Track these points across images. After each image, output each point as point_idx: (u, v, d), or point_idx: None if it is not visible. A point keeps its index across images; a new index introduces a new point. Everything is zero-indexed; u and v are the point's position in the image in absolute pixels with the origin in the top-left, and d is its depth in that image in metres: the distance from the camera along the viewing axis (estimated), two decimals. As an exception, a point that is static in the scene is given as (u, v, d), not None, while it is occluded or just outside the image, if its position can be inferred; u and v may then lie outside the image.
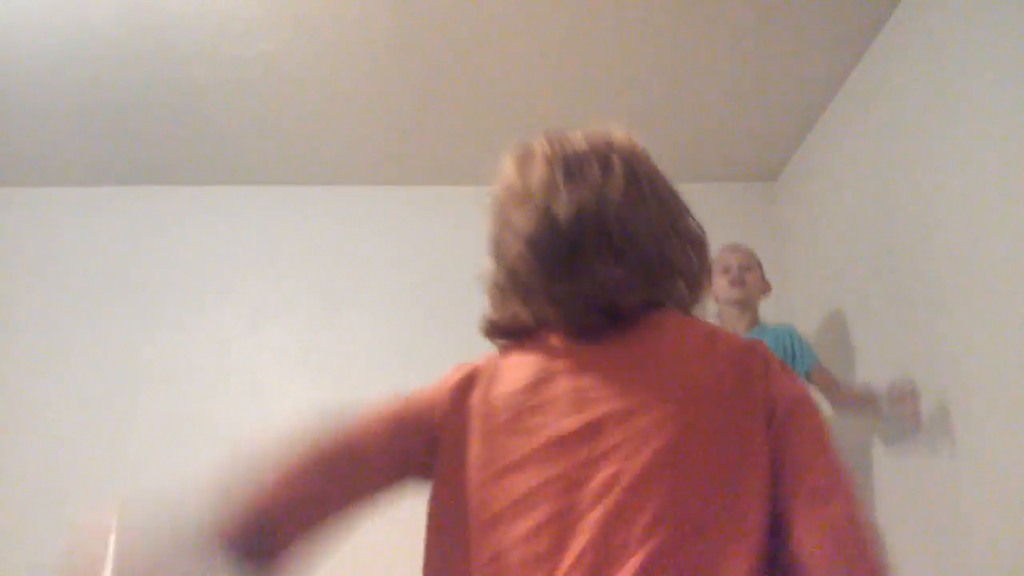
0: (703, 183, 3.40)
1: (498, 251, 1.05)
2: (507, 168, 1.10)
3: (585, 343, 0.96)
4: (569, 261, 0.96)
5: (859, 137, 2.73)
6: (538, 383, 0.94)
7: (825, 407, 2.81)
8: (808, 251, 3.13)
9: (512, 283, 1.02)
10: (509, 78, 2.78)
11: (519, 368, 0.98)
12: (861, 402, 2.54)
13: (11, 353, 3.08)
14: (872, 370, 2.63)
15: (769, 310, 3.22)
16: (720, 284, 2.66)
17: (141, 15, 2.44)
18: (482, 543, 0.87)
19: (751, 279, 2.67)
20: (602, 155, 1.05)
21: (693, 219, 1.09)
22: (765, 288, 2.74)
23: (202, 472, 2.90)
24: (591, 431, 0.88)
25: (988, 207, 2.05)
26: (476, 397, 0.98)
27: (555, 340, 0.98)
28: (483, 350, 3.54)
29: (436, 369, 3.56)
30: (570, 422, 0.89)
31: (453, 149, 3.17)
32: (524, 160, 1.09)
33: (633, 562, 0.78)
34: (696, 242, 1.06)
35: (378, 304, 3.23)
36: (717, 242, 3.00)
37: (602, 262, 0.96)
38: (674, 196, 1.10)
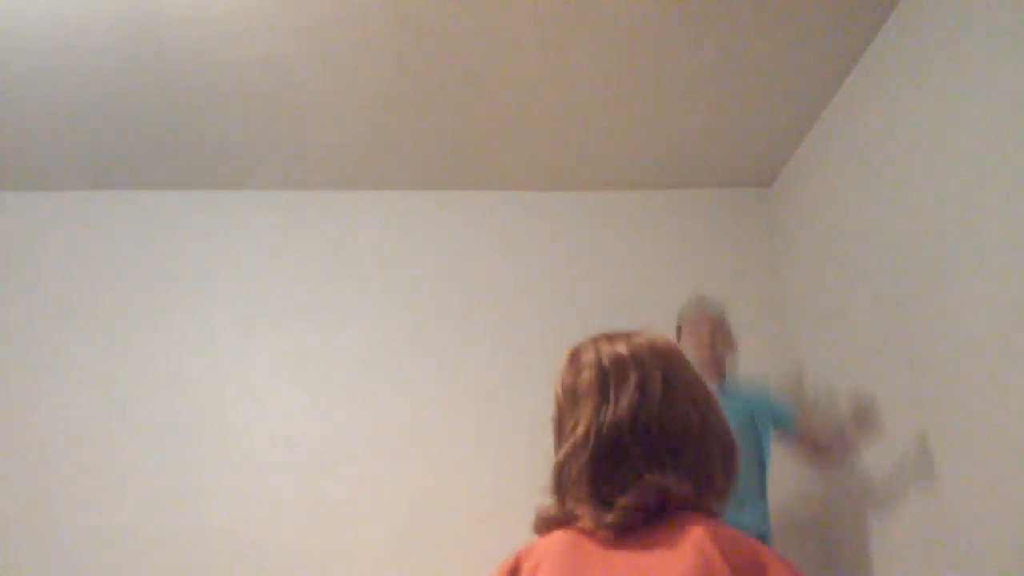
0: (699, 189, 3.41)
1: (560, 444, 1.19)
2: (561, 368, 1.26)
3: (615, 537, 1.04)
4: (614, 465, 1.08)
5: (853, 143, 2.74)
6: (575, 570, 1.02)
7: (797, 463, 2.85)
8: (802, 256, 3.13)
9: (564, 476, 1.14)
10: (506, 84, 2.78)
11: (557, 556, 1.05)
12: (847, 435, 2.54)
13: (2, 357, 3.06)
14: (867, 375, 2.62)
15: (763, 315, 3.22)
16: (688, 344, 2.66)
17: (136, 20, 2.43)
18: None
19: (720, 343, 2.68)
20: (640, 361, 1.15)
21: (720, 418, 1.16)
22: (733, 348, 2.73)
23: (193, 478, 2.89)
24: None
25: (982, 210, 2.05)
26: None
27: (588, 532, 1.07)
28: (472, 356, 3.52)
29: (428, 374, 3.60)
30: None
31: (448, 154, 3.16)
32: (574, 362, 1.24)
33: None
34: (727, 446, 1.14)
35: (371, 309, 3.22)
36: (714, 248, 3.04)
37: (647, 467, 1.06)
38: (706, 396, 1.16)
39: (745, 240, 3.37)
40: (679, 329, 2.73)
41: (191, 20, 2.44)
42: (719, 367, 2.65)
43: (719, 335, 2.68)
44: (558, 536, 1.07)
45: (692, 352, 2.62)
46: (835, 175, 2.87)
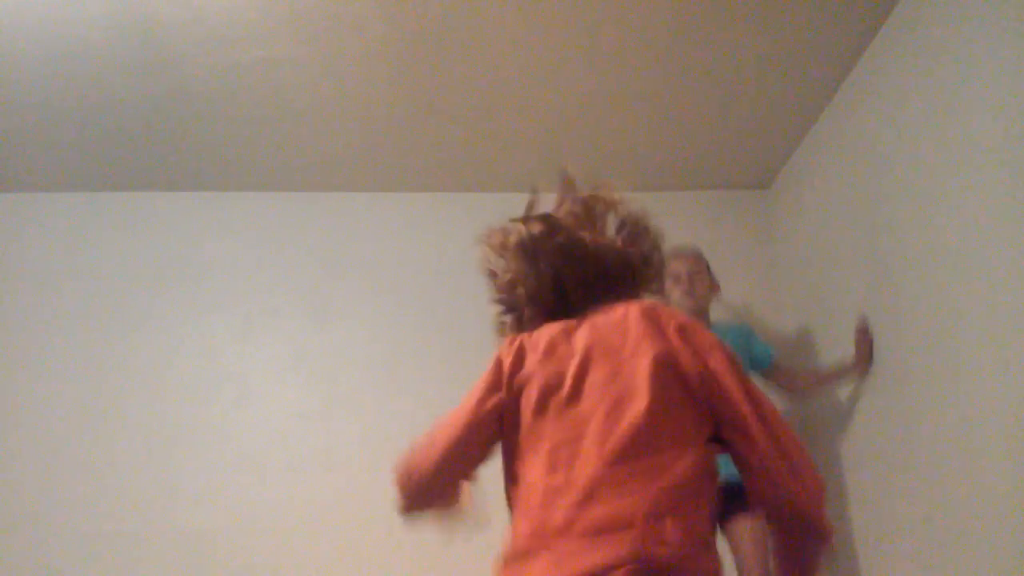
0: (698, 191, 3.41)
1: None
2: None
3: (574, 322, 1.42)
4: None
5: (851, 145, 2.74)
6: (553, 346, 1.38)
7: (785, 398, 2.96)
8: (800, 258, 3.13)
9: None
10: (503, 87, 2.78)
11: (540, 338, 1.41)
12: (829, 376, 2.70)
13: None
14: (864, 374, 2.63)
15: (761, 316, 3.22)
16: (673, 293, 2.73)
17: (134, 22, 2.43)
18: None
19: (700, 288, 2.76)
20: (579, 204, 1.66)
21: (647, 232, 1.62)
22: (715, 290, 2.84)
23: (188, 480, 2.87)
24: (582, 370, 1.30)
25: (979, 213, 2.05)
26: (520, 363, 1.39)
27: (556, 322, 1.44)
28: (470, 358, 3.52)
29: (425, 376, 3.59)
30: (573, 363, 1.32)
31: (445, 156, 3.16)
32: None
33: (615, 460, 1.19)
34: (643, 253, 1.58)
35: (368, 311, 3.21)
36: (713, 250, 3.03)
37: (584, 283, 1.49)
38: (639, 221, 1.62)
39: (743, 242, 3.36)
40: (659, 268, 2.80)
41: (187, 23, 2.44)
42: (701, 309, 2.74)
43: (698, 278, 2.76)
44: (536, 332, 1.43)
45: (675, 299, 2.71)
46: (833, 177, 2.87)
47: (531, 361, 1.35)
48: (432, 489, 1.45)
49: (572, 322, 1.40)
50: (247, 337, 3.15)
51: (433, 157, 3.16)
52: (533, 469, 1.26)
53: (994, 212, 2.01)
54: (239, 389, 3.08)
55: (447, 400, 3.06)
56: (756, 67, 2.70)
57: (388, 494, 2.94)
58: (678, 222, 3.41)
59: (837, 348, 2.79)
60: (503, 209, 3.35)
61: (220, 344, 3.14)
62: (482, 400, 1.38)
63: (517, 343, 1.41)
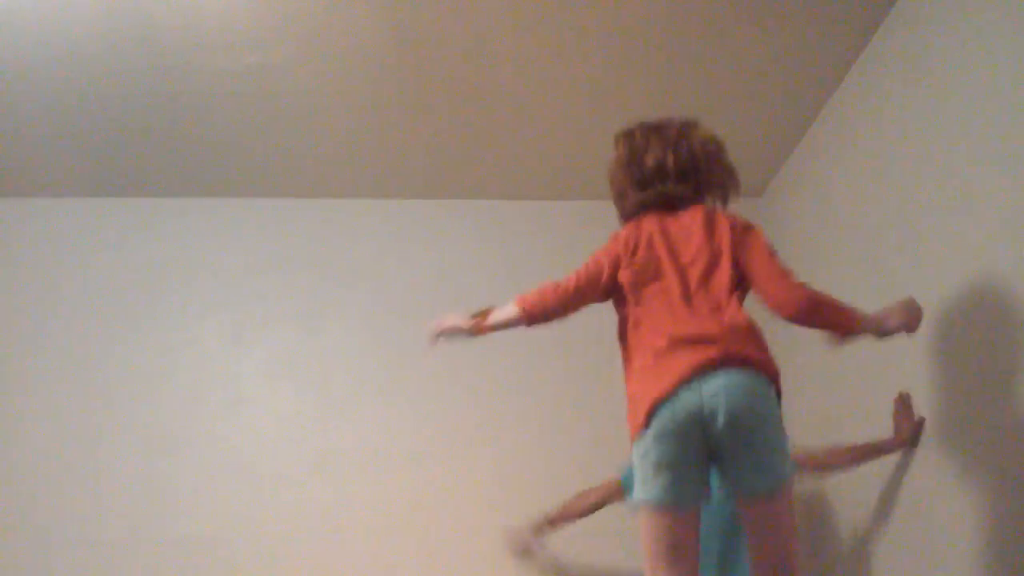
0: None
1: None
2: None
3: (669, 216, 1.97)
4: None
5: (843, 154, 2.75)
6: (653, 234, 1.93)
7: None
8: (792, 266, 3.12)
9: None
10: (497, 94, 2.79)
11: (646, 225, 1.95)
12: (866, 452, 2.41)
13: (-11, 364, 3.05)
14: (850, 378, 2.63)
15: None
16: None
17: (129, 28, 2.43)
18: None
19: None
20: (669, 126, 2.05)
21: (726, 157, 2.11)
22: None
23: (179, 486, 2.86)
24: (676, 251, 1.89)
25: (972, 219, 2.06)
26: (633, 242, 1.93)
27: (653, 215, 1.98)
28: (462, 364, 3.51)
29: (417, 382, 3.59)
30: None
31: (438, 163, 3.17)
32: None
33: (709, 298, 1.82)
34: (725, 169, 2.09)
35: (361, 318, 3.21)
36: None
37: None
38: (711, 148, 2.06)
39: (736, 250, 3.37)
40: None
41: (180, 29, 2.44)
42: None
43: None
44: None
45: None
46: (825, 186, 2.88)
47: (643, 242, 1.90)
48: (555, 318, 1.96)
49: (659, 218, 1.94)
50: (239, 343, 3.15)
51: (426, 164, 3.16)
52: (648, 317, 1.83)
53: (986, 221, 2.02)
54: (231, 395, 3.07)
55: (439, 406, 3.10)
56: (748, 76, 2.72)
57: (380, 499, 2.97)
58: (670, 229, 3.44)
59: (827, 356, 2.80)
60: (496, 216, 3.41)
61: (212, 350, 3.13)
62: (601, 266, 1.93)
63: (630, 227, 1.95)
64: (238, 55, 2.57)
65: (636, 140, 2.01)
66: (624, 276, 1.87)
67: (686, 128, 2.02)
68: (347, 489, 2.98)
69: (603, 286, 1.91)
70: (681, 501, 1.67)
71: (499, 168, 3.21)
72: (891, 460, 2.38)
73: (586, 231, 3.34)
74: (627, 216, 2.03)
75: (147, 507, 2.91)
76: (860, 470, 2.48)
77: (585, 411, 3.11)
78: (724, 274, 1.83)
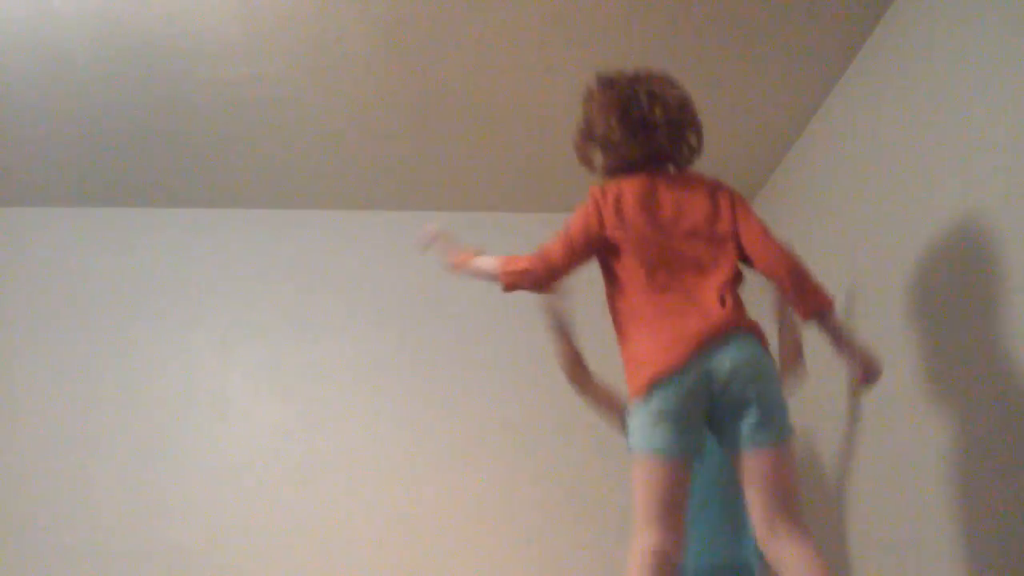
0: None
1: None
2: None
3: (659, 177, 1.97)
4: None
5: (840, 153, 2.76)
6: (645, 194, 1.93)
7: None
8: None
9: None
10: (488, 106, 2.77)
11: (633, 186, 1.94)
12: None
13: (-29, 376, 3.03)
14: (843, 378, 2.62)
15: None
16: None
17: (121, 38, 2.42)
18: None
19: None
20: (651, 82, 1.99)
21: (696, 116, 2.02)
22: None
23: (168, 495, 2.79)
24: (676, 214, 1.89)
25: (968, 219, 2.06)
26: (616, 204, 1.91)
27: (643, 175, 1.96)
28: (448, 374, 3.47)
29: (404, 392, 3.56)
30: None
31: (427, 175, 3.16)
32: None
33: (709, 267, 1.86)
34: (699, 129, 2.02)
35: (348, 328, 3.23)
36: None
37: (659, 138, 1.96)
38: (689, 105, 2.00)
39: (731, 253, 3.38)
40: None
41: (172, 39, 2.43)
42: None
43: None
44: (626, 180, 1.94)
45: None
46: (822, 184, 2.90)
47: (627, 208, 1.89)
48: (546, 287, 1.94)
49: (649, 179, 1.92)
50: (226, 353, 3.15)
51: (414, 175, 3.17)
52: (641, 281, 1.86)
53: (973, 227, 2.02)
54: (218, 405, 3.08)
55: (426, 415, 3.09)
56: (740, 83, 2.72)
57: (368, 509, 2.96)
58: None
59: (819, 359, 2.79)
60: (485, 228, 3.40)
61: (199, 360, 3.13)
62: (582, 232, 1.89)
63: (611, 192, 1.92)
64: (228, 65, 2.56)
65: (622, 89, 1.96)
66: (618, 236, 1.87)
67: (667, 81, 1.99)
68: (334, 498, 2.98)
69: (588, 254, 1.91)
70: (680, 451, 1.71)
71: (487, 180, 3.24)
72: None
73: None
74: (611, 171, 2.00)
75: (135, 516, 2.91)
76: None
77: (575, 421, 3.12)
78: (730, 253, 1.87)
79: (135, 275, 3.22)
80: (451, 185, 3.24)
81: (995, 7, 1.99)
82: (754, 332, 1.79)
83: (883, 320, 2.49)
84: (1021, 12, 1.90)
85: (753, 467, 1.72)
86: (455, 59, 2.56)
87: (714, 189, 1.95)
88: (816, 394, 2.90)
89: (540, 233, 3.39)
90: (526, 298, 3.26)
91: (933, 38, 2.23)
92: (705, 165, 3.24)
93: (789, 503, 1.71)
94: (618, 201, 1.89)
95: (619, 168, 1.98)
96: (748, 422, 1.72)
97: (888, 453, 2.44)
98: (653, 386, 1.72)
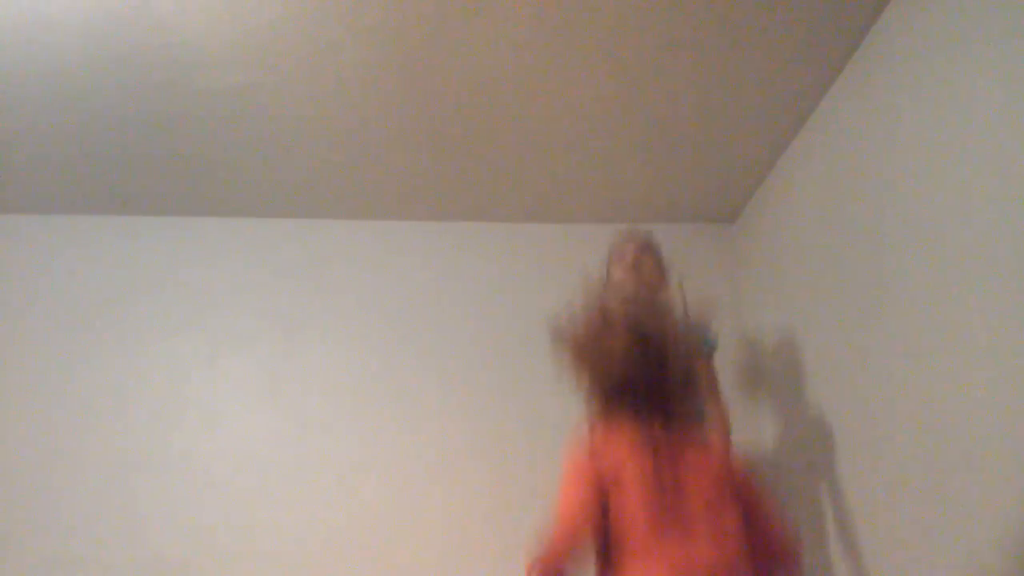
0: (666, 224, 3.45)
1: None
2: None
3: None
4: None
5: (817, 179, 2.79)
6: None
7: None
8: (766, 292, 3.18)
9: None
10: (480, 118, 2.80)
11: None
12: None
13: (-39, 381, 3.00)
14: (828, 403, 2.67)
15: (727, 348, 3.26)
16: (615, 272, 2.60)
17: (112, 47, 2.43)
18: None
19: (648, 273, 2.59)
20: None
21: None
22: (664, 277, 2.66)
23: (155, 506, 2.81)
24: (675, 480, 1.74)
25: (945, 246, 2.11)
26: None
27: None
28: (440, 383, 3.47)
29: (395, 402, 3.55)
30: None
31: (418, 184, 3.18)
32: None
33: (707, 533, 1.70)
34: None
35: (338, 337, 3.21)
36: (682, 280, 3.06)
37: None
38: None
39: (709, 275, 3.41)
40: (608, 261, 2.67)
41: (163, 48, 2.44)
42: (645, 290, 2.52)
43: (647, 262, 2.61)
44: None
45: (620, 280, 2.56)
46: (799, 211, 2.92)
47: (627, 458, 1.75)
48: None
49: (652, 429, 1.79)
50: (215, 362, 3.13)
51: (406, 184, 3.17)
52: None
53: (958, 249, 2.07)
54: (207, 414, 3.05)
55: (417, 424, 3.10)
56: (723, 102, 2.75)
57: (357, 519, 2.95)
58: (645, 254, 3.47)
59: (803, 382, 2.84)
60: (476, 238, 3.42)
61: (188, 369, 3.11)
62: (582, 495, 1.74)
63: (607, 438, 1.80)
64: (220, 75, 2.57)
65: (620, 337, 1.81)
66: (621, 504, 1.72)
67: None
68: (323, 508, 2.96)
69: (591, 531, 1.74)
70: None
71: (480, 189, 3.22)
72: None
73: (568, 253, 3.39)
74: (603, 415, 1.84)
75: (122, 525, 2.86)
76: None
77: (572, 424, 3.10)
78: (733, 515, 1.74)
79: (124, 283, 3.19)
80: (444, 195, 3.24)
81: (974, 36, 2.05)
82: None
83: (867, 339, 2.52)
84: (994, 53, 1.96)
85: None
86: (449, 68, 2.57)
87: (716, 456, 1.84)
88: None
89: (534, 243, 3.40)
90: (516, 312, 3.28)
91: (910, 67, 2.26)
92: (680, 195, 3.31)
93: None
94: (613, 465, 1.76)
95: (606, 416, 1.84)
96: None
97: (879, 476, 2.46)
98: None
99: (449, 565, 2.91)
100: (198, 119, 2.75)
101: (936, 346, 2.11)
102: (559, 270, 3.35)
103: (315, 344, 3.18)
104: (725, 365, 3.09)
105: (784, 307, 3.01)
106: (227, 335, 3.16)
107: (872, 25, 2.41)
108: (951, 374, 2.04)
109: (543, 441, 3.10)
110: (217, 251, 3.29)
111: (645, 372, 1.78)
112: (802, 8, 2.36)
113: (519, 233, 3.44)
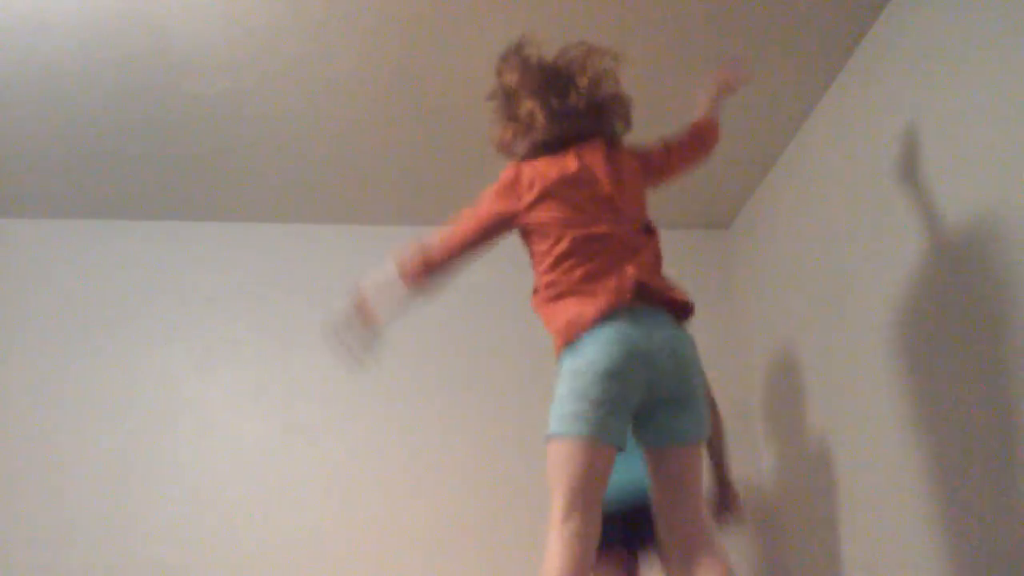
0: (660, 229, 3.45)
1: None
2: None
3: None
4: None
5: (811, 185, 2.80)
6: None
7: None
8: (759, 297, 3.19)
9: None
10: (474, 118, 2.78)
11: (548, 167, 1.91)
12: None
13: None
14: (819, 408, 2.67)
15: (720, 356, 3.26)
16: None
17: (104, 51, 2.43)
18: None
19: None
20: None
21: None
22: None
23: (147, 514, 2.79)
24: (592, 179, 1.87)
25: (937, 249, 2.11)
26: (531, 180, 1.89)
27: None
28: (431, 388, 3.46)
29: (386, 408, 3.54)
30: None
31: (411, 189, 3.18)
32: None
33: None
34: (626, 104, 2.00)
35: (329, 345, 3.19)
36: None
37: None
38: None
39: (703, 281, 3.42)
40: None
41: (156, 53, 2.45)
42: None
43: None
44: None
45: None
46: (793, 217, 2.93)
47: (547, 180, 1.85)
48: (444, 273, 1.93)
49: (568, 156, 1.87)
50: (207, 368, 3.12)
51: (397, 190, 3.18)
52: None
53: (952, 249, 2.07)
54: (199, 420, 3.04)
55: (408, 431, 3.09)
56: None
57: (348, 527, 2.95)
58: (640, 260, 3.47)
59: (798, 387, 2.84)
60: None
61: (180, 374, 3.10)
62: (492, 210, 1.91)
63: (524, 169, 1.88)
64: (211, 79, 2.57)
65: (539, 74, 1.91)
66: (539, 216, 1.87)
67: (591, 59, 1.93)
68: (314, 516, 2.95)
69: (499, 235, 1.93)
70: (612, 439, 1.61)
71: (473, 194, 3.18)
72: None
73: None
74: (526, 153, 1.94)
75: (112, 534, 2.86)
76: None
77: None
78: (641, 208, 1.96)
79: (115, 289, 3.18)
80: (436, 200, 3.24)
81: (966, 42, 2.05)
82: (679, 313, 1.80)
83: (868, 337, 2.53)
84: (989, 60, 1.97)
85: (672, 465, 1.68)
86: (443, 73, 2.58)
87: (610, 150, 1.94)
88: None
89: (521, 251, 3.40)
90: (510, 318, 3.28)
91: (902, 71, 2.27)
92: (674, 200, 3.31)
93: (701, 506, 1.68)
94: (534, 182, 1.92)
95: (532, 154, 1.93)
96: (680, 414, 1.69)
97: (880, 468, 2.47)
98: (588, 327, 1.72)
99: (438, 572, 2.90)
100: (190, 123, 2.75)
101: (933, 343, 2.11)
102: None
103: (305, 351, 3.18)
104: (716, 370, 3.09)
105: (778, 313, 3.01)
106: (220, 342, 3.16)
107: (867, 32, 2.43)
108: (948, 378, 2.04)
109: (533, 449, 3.10)
110: (209, 256, 3.28)
111: (551, 109, 1.88)
112: (795, 16, 2.38)
113: (512, 239, 3.43)
